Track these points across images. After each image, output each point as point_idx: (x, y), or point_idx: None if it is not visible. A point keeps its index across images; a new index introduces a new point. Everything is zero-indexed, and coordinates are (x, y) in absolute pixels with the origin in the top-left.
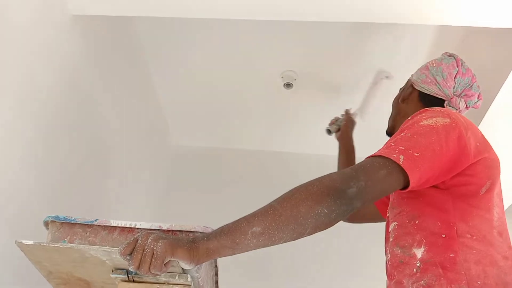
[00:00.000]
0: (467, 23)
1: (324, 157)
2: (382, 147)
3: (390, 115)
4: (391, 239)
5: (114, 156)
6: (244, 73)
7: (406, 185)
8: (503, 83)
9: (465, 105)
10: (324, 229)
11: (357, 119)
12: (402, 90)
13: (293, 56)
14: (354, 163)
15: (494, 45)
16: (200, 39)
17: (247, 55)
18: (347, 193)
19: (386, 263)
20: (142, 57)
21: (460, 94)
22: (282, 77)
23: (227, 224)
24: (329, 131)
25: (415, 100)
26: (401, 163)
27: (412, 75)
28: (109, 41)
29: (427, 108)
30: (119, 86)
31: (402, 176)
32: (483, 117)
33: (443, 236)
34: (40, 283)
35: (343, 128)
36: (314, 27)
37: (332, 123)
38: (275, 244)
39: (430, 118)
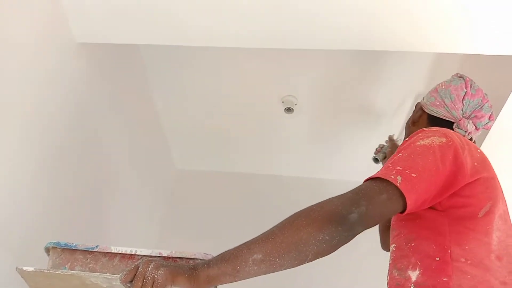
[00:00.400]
0: (464, 50)
1: (324, 181)
2: (381, 169)
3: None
4: (390, 261)
5: (116, 181)
6: (246, 98)
7: (405, 208)
8: (502, 109)
9: (474, 127)
10: (325, 255)
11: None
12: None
13: (293, 81)
14: None
15: (492, 71)
16: (202, 65)
17: (248, 80)
18: (349, 218)
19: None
20: (145, 83)
21: (469, 116)
22: (282, 102)
23: (228, 251)
24: (376, 160)
25: (424, 122)
26: (398, 184)
27: (423, 97)
28: (114, 67)
29: (425, 129)
30: (123, 111)
31: (401, 199)
32: (482, 141)
33: (437, 259)
34: None
35: (389, 155)
36: (315, 53)
37: (378, 151)
38: (276, 271)
39: (426, 138)
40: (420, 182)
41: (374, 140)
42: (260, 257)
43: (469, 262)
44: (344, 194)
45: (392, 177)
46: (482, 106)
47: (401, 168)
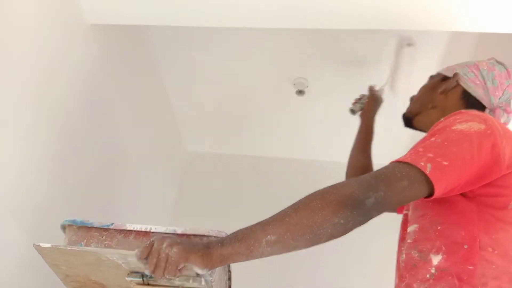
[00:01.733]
0: (481, 29)
1: (337, 164)
2: (409, 152)
3: (415, 99)
4: (409, 240)
5: (128, 162)
6: (257, 80)
7: (430, 194)
8: None
9: (505, 120)
10: (338, 237)
11: (384, 96)
12: (432, 78)
13: (305, 63)
14: (369, 148)
15: (509, 50)
16: (212, 46)
17: (259, 62)
18: (365, 203)
19: (398, 262)
20: (156, 64)
21: (501, 106)
22: (294, 84)
23: (241, 230)
24: (352, 111)
25: (456, 96)
26: (428, 172)
27: (455, 68)
28: (124, 49)
29: (462, 111)
30: (134, 93)
31: (427, 186)
32: None
33: (465, 247)
34: (56, 286)
35: (366, 107)
36: (326, 33)
37: (356, 102)
38: (289, 252)
39: (464, 122)
40: (451, 170)
41: (388, 122)
42: (274, 239)
43: (495, 252)
44: (363, 177)
45: (422, 164)
46: (510, 101)
47: (432, 155)
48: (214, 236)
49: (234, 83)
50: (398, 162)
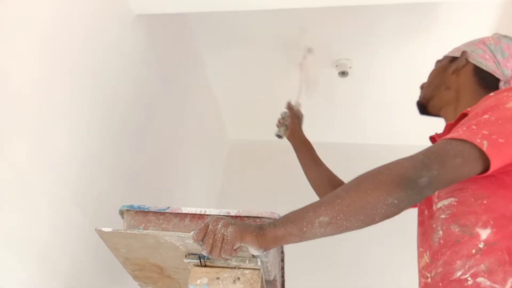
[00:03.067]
0: None
1: (381, 147)
2: (461, 128)
3: (426, 85)
4: (443, 216)
5: (175, 151)
6: (297, 63)
7: (483, 171)
8: None
9: None
10: (391, 217)
11: (302, 109)
12: (439, 61)
13: (347, 44)
14: (318, 159)
15: None
16: (254, 33)
17: (301, 44)
18: (418, 183)
19: (428, 240)
20: (198, 54)
21: None
22: (336, 65)
23: (293, 212)
24: (279, 136)
25: (468, 73)
26: (485, 149)
27: (462, 48)
28: (169, 39)
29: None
30: (178, 83)
31: (481, 163)
32: None
33: None
34: (116, 270)
35: (291, 126)
36: (369, 12)
37: (279, 125)
38: (342, 233)
39: None
40: (507, 147)
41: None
42: (327, 220)
43: None
44: (415, 155)
45: (478, 140)
46: None
47: (487, 133)
48: (267, 218)
49: (276, 69)
50: (451, 139)
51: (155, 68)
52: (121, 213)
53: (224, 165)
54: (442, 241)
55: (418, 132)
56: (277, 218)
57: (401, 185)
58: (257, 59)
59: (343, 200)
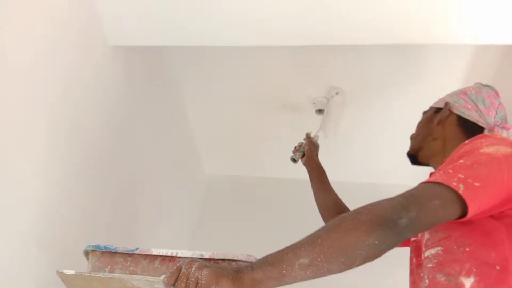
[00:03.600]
0: (505, 41)
1: (360, 185)
2: (438, 173)
3: (414, 136)
4: (430, 265)
5: (149, 185)
6: (276, 100)
7: (462, 215)
8: None
9: (506, 136)
10: (373, 260)
11: (320, 141)
12: (425, 113)
13: (324, 82)
14: (329, 185)
15: None
16: (233, 66)
17: (278, 82)
18: (398, 223)
19: None
20: (176, 86)
21: (499, 125)
22: (314, 103)
23: (271, 254)
24: (294, 160)
25: (453, 124)
26: (461, 192)
27: (445, 99)
28: (145, 71)
29: (487, 134)
30: (155, 116)
31: (459, 206)
32: None
33: (498, 268)
34: None
35: (307, 153)
36: (346, 51)
37: (296, 150)
38: (322, 276)
39: (491, 145)
40: (484, 191)
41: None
42: (307, 262)
43: None
44: (394, 197)
45: (454, 184)
46: (506, 119)
47: (463, 176)
48: (243, 260)
49: (253, 104)
50: (428, 182)
51: (131, 99)
52: (86, 253)
53: (201, 201)
54: None
55: (399, 172)
56: (254, 261)
57: (381, 225)
58: (235, 92)
59: (323, 241)
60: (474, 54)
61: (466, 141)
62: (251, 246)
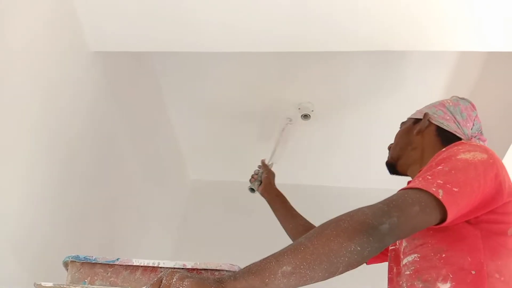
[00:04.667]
0: (489, 48)
1: (343, 190)
2: (417, 179)
3: (393, 146)
4: (407, 272)
5: (132, 191)
6: (261, 105)
7: (441, 221)
8: None
9: None
10: (356, 267)
11: (273, 168)
12: (403, 123)
13: (310, 87)
14: (294, 210)
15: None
16: (215, 72)
17: (263, 87)
18: (380, 229)
19: None
20: (159, 92)
21: (475, 136)
22: (299, 108)
23: (255, 263)
24: (252, 190)
25: (432, 134)
26: (440, 197)
27: (424, 110)
28: (128, 76)
29: (463, 141)
30: (137, 121)
31: (438, 211)
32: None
33: (473, 272)
34: None
35: (265, 182)
36: (332, 57)
37: (254, 179)
38: (306, 284)
39: (467, 152)
40: (462, 196)
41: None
42: (290, 270)
43: (502, 278)
44: (374, 204)
45: (434, 189)
46: (482, 131)
47: (442, 182)
48: (226, 270)
49: (237, 109)
50: (408, 188)
51: (113, 105)
52: (65, 264)
53: (184, 206)
54: None
55: (379, 177)
56: (237, 270)
57: (362, 231)
58: (219, 98)
59: (306, 248)
60: (455, 62)
61: (443, 149)
62: (235, 252)
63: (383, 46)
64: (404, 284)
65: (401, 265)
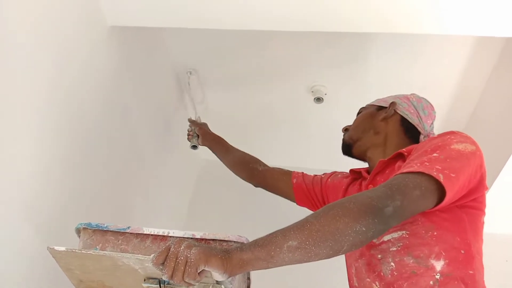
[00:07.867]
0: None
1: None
2: (414, 164)
3: (353, 127)
4: (394, 248)
5: (144, 167)
6: (273, 88)
7: (438, 204)
8: None
9: None
10: (358, 247)
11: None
12: (364, 109)
13: (323, 70)
14: (231, 146)
15: None
16: (228, 51)
17: (276, 69)
18: (385, 212)
19: (375, 271)
20: (172, 68)
21: (432, 133)
22: (312, 91)
23: (261, 237)
24: (195, 146)
25: (396, 123)
26: (442, 181)
27: (389, 100)
28: (142, 51)
29: (454, 131)
30: (150, 98)
31: (437, 195)
32: None
33: (462, 252)
34: None
35: (201, 132)
36: (345, 38)
37: (191, 136)
38: (310, 261)
39: (460, 142)
40: (457, 182)
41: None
42: (295, 244)
43: (480, 259)
44: (377, 188)
45: (435, 173)
46: (433, 130)
47: (440, 168)
48: (234, 241)
49: (250, 90)
50: (408, 173)
51: (127, 80)
52: (78, 231)
53: (194, 184)
54: (396, 273)
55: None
56: (245, 242)
57: (368, 213)
58: (232, 76)
59: (312, 225)
60: (472, 47)
61: (436, 135)
62: (242, 230)
63: (399, 29)
64: (390, 260)
65: (383, 241)
